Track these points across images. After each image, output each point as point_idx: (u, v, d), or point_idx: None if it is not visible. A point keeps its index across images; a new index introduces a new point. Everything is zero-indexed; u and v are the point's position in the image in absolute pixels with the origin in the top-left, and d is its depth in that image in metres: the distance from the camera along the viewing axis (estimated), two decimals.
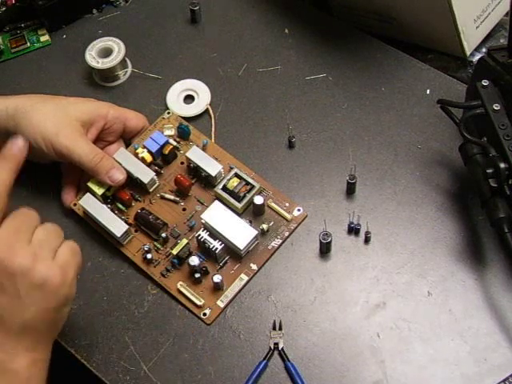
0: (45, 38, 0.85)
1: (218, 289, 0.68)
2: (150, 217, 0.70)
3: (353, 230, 0.71)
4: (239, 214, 0.71)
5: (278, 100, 0.79)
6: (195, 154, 0.72)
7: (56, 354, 0.67)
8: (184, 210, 0.72)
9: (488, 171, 0.63)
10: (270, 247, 0.70)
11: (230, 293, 0.68)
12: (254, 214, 0.72)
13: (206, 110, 0.79)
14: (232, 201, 0.71)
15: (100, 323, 0.68)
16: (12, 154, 0.59)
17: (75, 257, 0.60)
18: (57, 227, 0.60)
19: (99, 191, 0.71)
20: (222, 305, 0.68)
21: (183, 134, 0.76)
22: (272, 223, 0.71)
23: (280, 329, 0.67)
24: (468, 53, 0.80)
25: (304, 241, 0.71)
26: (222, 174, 0.72)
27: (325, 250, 0.70)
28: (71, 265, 0.59)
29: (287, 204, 0.72)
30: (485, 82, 0.67)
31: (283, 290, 0.69)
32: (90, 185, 0.72)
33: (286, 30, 0.84)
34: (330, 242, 0.69)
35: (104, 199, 0.72)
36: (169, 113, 0.78)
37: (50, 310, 0.57)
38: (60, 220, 0.73)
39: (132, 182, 0.73)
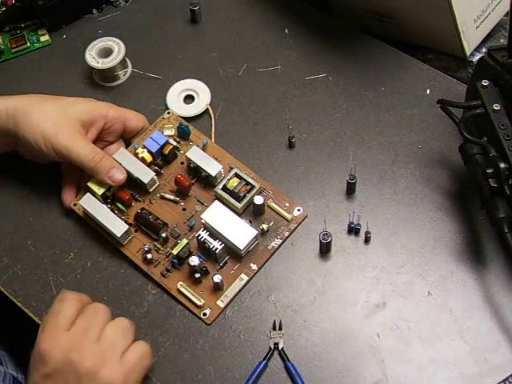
0: (45, 38, 0.85)
1: (217, 289, 0.68)
2: (150, 217, 0.70)
3: (353, 230, 0.71)
4: (239, 214, 0.71)
5: (278, 100, 0.79)
6: (195, 154, 0.72)
7: None
8: (184, 210, 0.72)
9: (488, 171, 0.63)
10: (270, 247, 0.70)
11: (230, 293, 0.68)
12: (254, 213, 0.72)
13: (206, 110, 0.79)
14: (232, 201, 0.71)
15: None
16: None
17: (144, 360, 0.62)
18: (126, 323, 0.63)
19: (99, 191, 0.71)
20: (222, 305, 0.68)
21: (183, 134, 0.76)
22: (272, 223, 0.71)
23: (280, 329, 0.67)
24: (468, 53, 0.80)
25: (304, 241, 0.71)
26: (222, 174, 0.72)
27: (325, 250, 0.70)
28: (137, 369, 0.61)
29: (287, 204, 0.72)
30: (485, 82, 0.67)
31: (283, 290, 0.69)
32: (90, 185, 0.72)
33: (286, 30, 0.84)
34: (330, 242, 0.69)
35: (104, 199, 0.72)
36: (169, 113, 0.78)
37: None
38: (60, 220, 0.73)
39: (132, 181, 0.73)
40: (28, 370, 0.62)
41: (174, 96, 0.79)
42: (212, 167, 0.72)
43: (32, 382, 0.60)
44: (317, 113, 0.78)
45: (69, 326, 0.61)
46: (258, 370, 0.65)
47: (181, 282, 0.69)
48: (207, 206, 0.71)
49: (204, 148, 0.74)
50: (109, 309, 0.64)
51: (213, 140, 0.77)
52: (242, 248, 0.68)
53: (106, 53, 0.80)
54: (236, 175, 0.72)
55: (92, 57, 0.79)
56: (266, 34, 0.84)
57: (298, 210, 0.72)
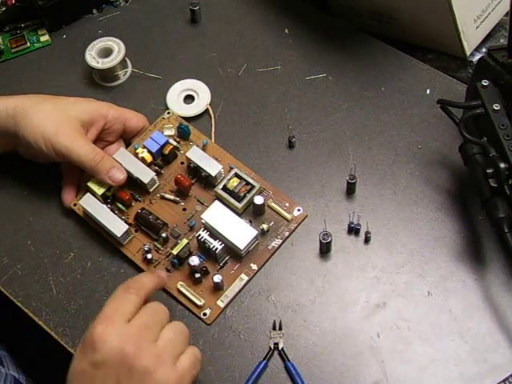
0: (45, 38, 0.85)
1: (218, 289, 0.68)
2: (150, 217, 0.70)
3: (353, 230, 0.71)
4: (239, 214, 0.71)
5: (278, 100, 0.79)
6: (195, 154, 0.72)
7: (56, 354, 0.67)
8: (184, 210, 0.72)
9: (488, 171, 0.63)
10: (270, 247, 0.70)
11: (230, 293, 0.68)
12: (254, 214, 0.72)
13: (206, 110, 0.79)
14: (232, 201, 0.71)
15: None
16: (159, 275, 0.65)
17: (195, 367, 0.60)
18: (184, 328, 0.61)
19: (99, 191, 0.71)
20: (222, 305, 0.68)
21: (183, 134, 0.76)
22: (272, 223, 0.71)
23: (280, 329, 0.67)
24: (468, 53, 0.80)
25: (304, 241, 0.71)
26: (222, 174, 0.72)
27: (325, 250, 0.70)
28: (190, 374, 0.59)
29: (287, 204, 0.72)
30: (485, 82, 0.67)
31: (283, 290, 0.69)
32: (90, 185, 0.72)
33: (286, 30, 0.84)
34: (330, 242, 0.69)
35: (104, 199, 0.72)
36: (169, 113, 0.78)
37: None
38: (60, 220, 0.73)
39: (132, 182, 0.73)
40: (74, 355, 0.59)
41: (174, 96, 0.79)
42: (212, 167, 0.72)
43: (77, 369, 0.57)
44: (317, 113, 0.78)
45: (129, 318, 0.58)
46: (258, 370, 0.65)
47: (181, 282, 0.69)
48: (207, 206, 0.71)
49: (204, 148, 0.74)
50: (168, 311, 0.62)
51: (213, 140, 0.77)
52: (242, 248, 0.68)
53: (106, 53, 0.80)
54: (236, 175, 0.72)
55: (92, 57, 0.79)
56: (266, 34, 0.84)
57: (298, 209, 0.72)
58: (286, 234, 0.71)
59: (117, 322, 0.58)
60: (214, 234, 0.69)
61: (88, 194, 0.71)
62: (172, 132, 0.76)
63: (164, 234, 0.70)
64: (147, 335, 0.58)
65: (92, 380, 0.57)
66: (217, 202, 0.71)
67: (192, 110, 0.78)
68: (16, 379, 0.77)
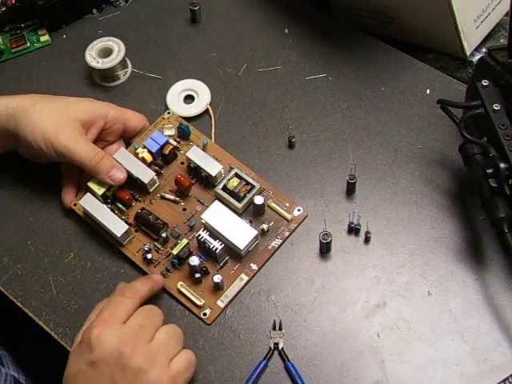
0: (45, 38, 0.85)
1: (218, 289, 0.68)
2: (150, 217, 0.70)
3: (353, 230, 0.71)
4: (239, 214, 0.71)
5: (277, 100, 0.80)
6: (195, 154, 0.72)
7: (56, 354, 0.67)
8: (184, 209, 0.72)
9: (488, 171, 0.63)
10: (270, 247, 0.70)
11: (230, 293, 0.68)
12: (254, 214, 0.72)
13: (206, 110, 0.79)
14: (232, 201, 0.71)
15: None
16: (155, 280, 0.67)
17: (189, 369, 0.62)
18: (179, 331, 0.63)
19: (99, 191, 0.71)
20: (222, 305, 0.68)
21: (183, 134, 0.76)
22: (272, 223, 0.71)
23: (280, 329, 0.67)
24: (468, 53, 0.80)
25: (304, 241, 0.71)
26: (222, 174, 0.72)
27: (325, 250, 0.70)
28: (183, 375, 0.61)
29: (287, 204, 0.72)
30: (485, 82, 0.67)
31: (283, 290, 0.69)
32: (90, 185, 0.72)
33: (286, 30, 0.84)
34: (330, 242, 0.69)
35: (104, 199, 0.72)
36: (169, 113, 0.78)
37: None
38: (60, 220, 0.73)
39: (132, 182, 0.73)
40: (69, 355, 0.61)
41: (174, 96, 0.79)
42: (212, 167, 0.72)
43: (73, 369, 0.60)
44: (317, 113, 0.78)
45: (125, 320, 0.61)
46: (258, 370, 0.65)
47: (181, 282, 0.69)
48: (207, 206, 0.71)
49: (204, 148, 0.74)
50: (162, 313, 0.64)
51: (213, 140, 0.77)
52: (242, 248, 0.68)
53: (106, 53, 0.80)
54: (236, 175, 0.72)
55: (92, 57, 0.79)
56: (266, 34, 0.84)
57: (298, 209, 0.72)
58: (286, 234, 0.71)
59: (113, 324, 0.60)
60: (214, 234, 0.69)
61: (88, 194, 0.71)
62: (172, 132, 0.76)
63: (164, 234, 0.70)
64: (142, 336, 0.60)
65: (89, 379, 0.58)
66: (217, 202, 0.71)
67: (192, 109, 0.78)
68: (16, 379, 0.77)
